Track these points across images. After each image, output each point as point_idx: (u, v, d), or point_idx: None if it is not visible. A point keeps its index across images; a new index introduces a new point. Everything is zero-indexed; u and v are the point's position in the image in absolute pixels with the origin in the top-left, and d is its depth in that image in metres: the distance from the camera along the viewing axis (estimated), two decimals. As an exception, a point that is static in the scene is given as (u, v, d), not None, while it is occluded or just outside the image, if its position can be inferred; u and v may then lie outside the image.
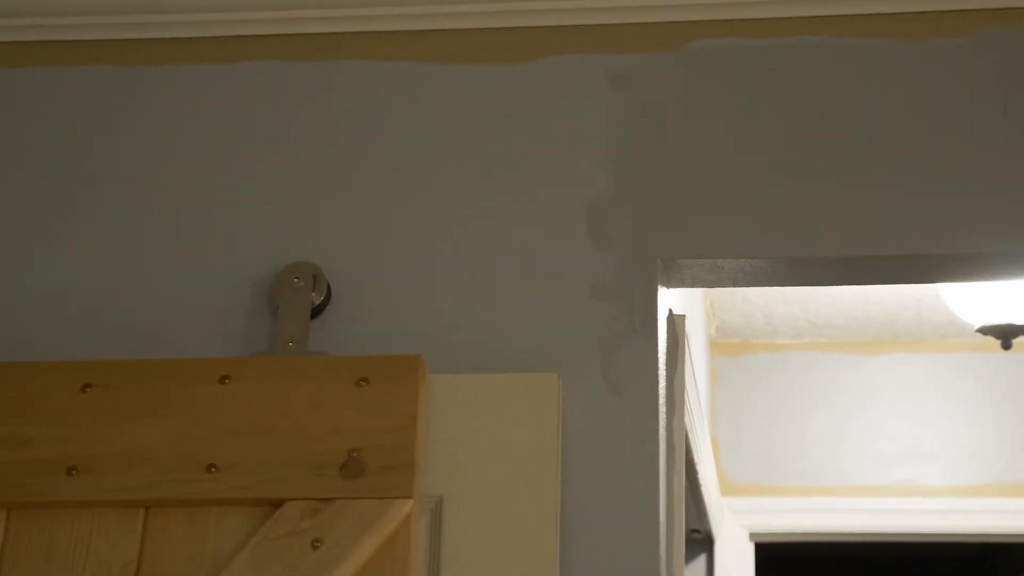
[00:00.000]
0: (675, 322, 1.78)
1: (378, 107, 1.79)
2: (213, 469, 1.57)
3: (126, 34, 1.83)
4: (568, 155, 1.74)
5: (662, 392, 1.68)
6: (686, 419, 2.27)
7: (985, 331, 3.28)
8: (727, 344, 4.32)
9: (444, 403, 1.62)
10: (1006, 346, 3.27)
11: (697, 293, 3.48)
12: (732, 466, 4.25)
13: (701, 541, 4.06)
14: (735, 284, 1.77)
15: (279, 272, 1.70)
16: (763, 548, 4.31)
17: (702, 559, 4.13)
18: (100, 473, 1.59)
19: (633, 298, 1.67)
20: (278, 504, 1.55)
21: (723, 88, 1.75)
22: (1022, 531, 4.14)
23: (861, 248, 1.68)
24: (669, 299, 1.78)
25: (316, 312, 1.69)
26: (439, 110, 1.78)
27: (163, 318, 1.73)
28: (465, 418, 1.62)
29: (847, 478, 4.21)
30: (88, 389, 1.63)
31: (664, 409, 1.71)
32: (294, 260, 1.71)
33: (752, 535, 4.22)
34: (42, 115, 1.84)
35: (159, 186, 1.79)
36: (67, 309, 1.75)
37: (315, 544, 1.52)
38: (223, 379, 1.61)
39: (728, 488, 4.22)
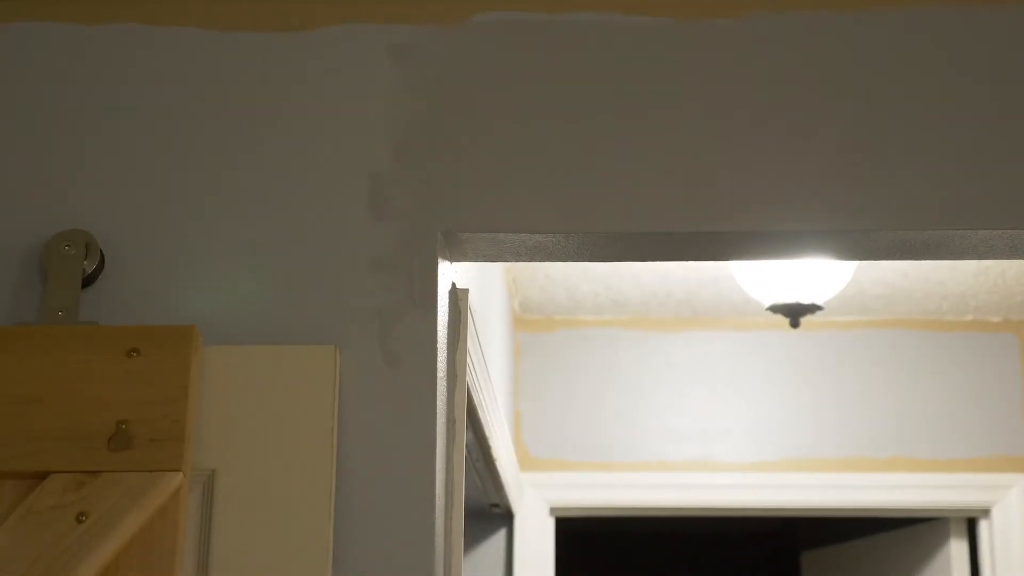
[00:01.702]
0: (458, 296, 1.78)
1: (156, 73, 1.75)
2: None
3: None
4: (348, 127, 1.72)
5: (442, 366, 1.68)
6: (477, 394, 2.28)
7: (775, 309, 3.36)
8: (530, 320, 4.35)
9: (219, 375, 1.60)
10: (794, 324, 3.35)
11: (497, 268, 3.50)
12: (534, 441, 4.29)
13: (501, 515, 4.10)
14: (517, 259, 1.78)
15: (48, 240, 1.66)
16: (567, 524, 4.37)
17: (502, 533, 4.16)
18: None
19: (412, 271, 1.67)
20: (42, 476, 1.51)
21: (506, 62, 1.75)
22: (815, 505, 4.26)
23: (642, 224, 1.70)
24: (452, 273, 1.78)
25: (88, 281, 1.65)
26: (216, 77, 1.74)
27: None
28: (240, 390, 1.60)
29: (646, 454, 4.28)
30: None
31: (445, 383, 1.72)
32: (65, 227, 1.67)
33: (552, 509, 4.27)
34: None
35: None
36: None
37: (80, 518, 1.49)
38: None
39: (530, 463, 4.25)
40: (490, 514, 4.04)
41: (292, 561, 1.55)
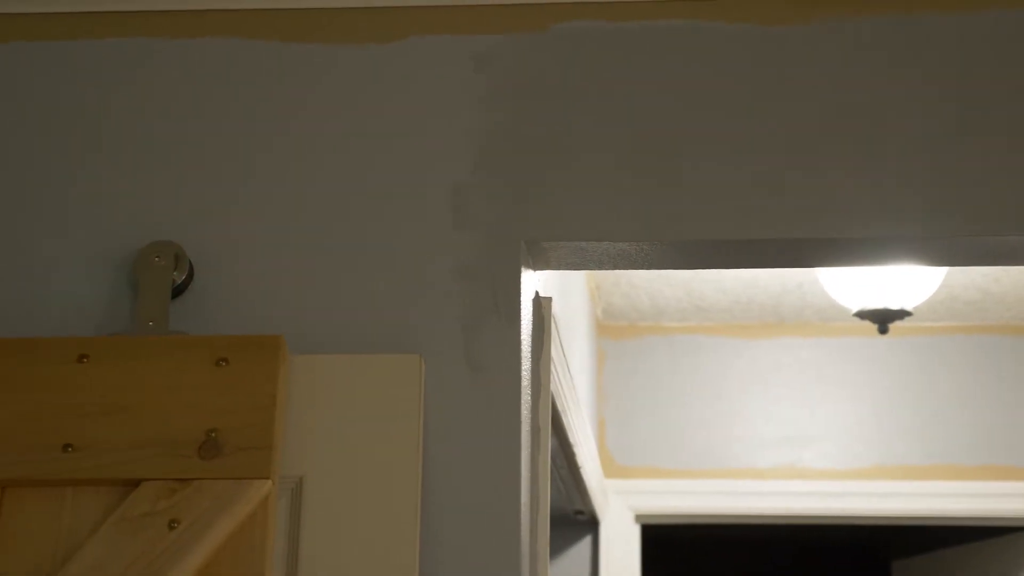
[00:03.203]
0: (541, 304, 1.81)
1: (243, 86, 1.79)
2: (70, 449, 1.58)
3: None
4: (431, 137, 1.75)
5: (526, 374, 1.71)
6: (561, 402, 2.31)
7: (862, 315, 3.35)
8: (614, 326, 4.37)
9: (306, 384, 1.64)
10: (882, 330, 3.35)
11: (579, 275, 3.52)
12: (618, 448, 4.30)
13: (585, 523, 4.12)
14: (600, 267, 1.81)
15: (139, 251, 1.71)
16: (651, 531, 4.38)
17: (587, 541, 4.18)
18: None
19: (496, 280, 1.70)
20: (135, 484, 1.56)
21: (588, 70, 1.77)
22: (905, 513, 4.23)
23: (726, 232, 1.72)
24: (535, 281, 1.81)
25: (178, 292, 1.70)
26: (302, 90, 1.79)
27: (23, 296, 1.73)
28: (327, 399, 1.63)
29: (732, 461, 4.28)
30: None
31: (529, 391, 1.75)
32: (156, 239, 1.72)
33: (638, 516, 4.28)
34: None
35: (20, 164, 1.78)
36: None
37: (172, 525, 1.53)
38: (81, 358, 1.61)
39: (615, 470, 4.27)
40: (575, 521, 4.06)
41: (379, 568, 1.58)
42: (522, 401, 1.67)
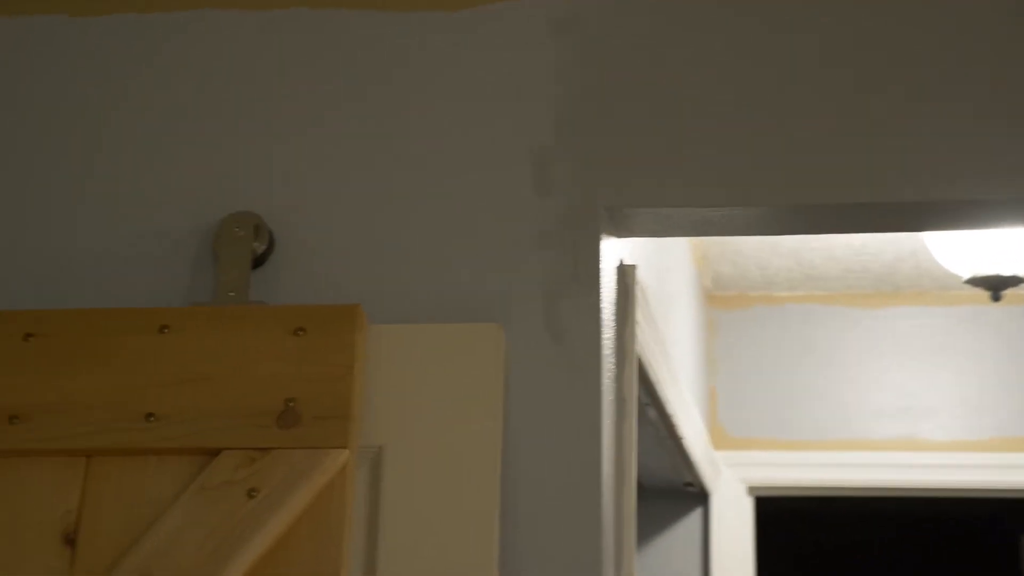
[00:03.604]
0: (626, 272, 1.80)
1: (320, 55, 1.80)
2: (152, 418, 1.60)
3: None
4: (511, 103, 1.75)
5: (607, 342, 1.70)
6: (653, 371, 2.30)
7: (974, 282, 3.29)
8: (723, 296, 4.34)
9: (386, 354, 1.64)
10: (995, 298, 3.28)
11: (684, 246, 3.49)
12: (730, 420, 4.28)
13: (696, 495, 4.10)
14: (684, 233, 1.79)
15: (220, 222, 1.72)
16: (763, 504, 4.34)
17: (697, 513, 4.17)
18: (42, 422, 1.62)
19: (576, 247, 1.68)
20: (215, 453, 1.58)
21: (669, 33, 1.75)
22: (1005, 486, 4.16)
23: (811, 197, 1.70)
24: (619, 249, 1.79)
25: (259, 262, 1.71)
26: (379, 57, 1.79)
27: (107, 268, 1.75)
28: (407, 368, 1.64)
29: (847, 432, 4.24)
30: (30, 339, 1.65)
31: (613, 359, 1.73)
32: (237, 210, 1.73)
33: (751, 489, 4.25)
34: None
35: (100, 138, 1.81)
36: (10, 258, 1.77)
37: (251, 493, 1.55)
38: (162, 328, 1.63)
39: (726, 442, 4.25)
40: (684, 493, 4.05)
41: (459, 535, 1.58)
42: (603, 370, 1.66)
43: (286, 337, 1.61)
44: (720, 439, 4.23)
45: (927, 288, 4.14)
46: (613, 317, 1.75)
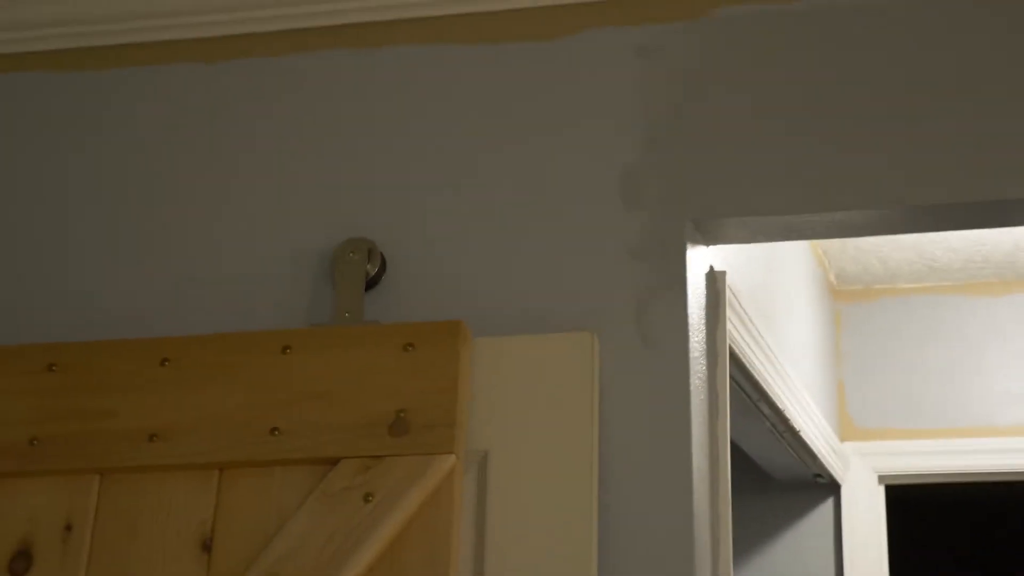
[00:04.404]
0: (715, 278, 1.86)
1: (425, 89, 1.89)
2: (277, 432, 1.70)
3: (185, 34, 1.98)
4: (600, 123, 1.82)
5: (697, 345, 1.76)
6: (758, 369, 2.35)
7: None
8: (848, 291, 4.34)
9: (489, 364, 1.72)
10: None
11: (802, 243, 3.52)
12: (859, 411, 4.28)
13: (826, 486, 4.11)
14: (768, 239, 1.85)
15: (336, 248, 1.82)
16: (893, 491, 4.34)
17: (828, 504, 4.17)
18: (178, 439, 1.72)
19: (664, 257, 1.75)
20: (334, 462, 1.67)
21: (746, 53, 1.82)
22: None
23: (890, 200, 1.75)
24: (708, 256, 1.86)
25: (371, 284, 1.81)
26: (478, 87, 1.88)
27: (235, 293, 1.86)
28: (508, 377, 1.72)
29: (975, 419, 4.21)
30: (166, 363, 1.76)
31: (703, 360, 1.80)
32: (351, 236, 1.83)
33: (881, 478, 4.24)
34: (125, 112, 2.00)
35: (232, 173, 1.93)
36: (148, 287, 1.90)
37: (367, 498, 1.64)
38: (285, 349, 1.73)
39: (856, 433, 4.25)
40: (815, 484, 4.06)
41: (560, 535, 1.65)
42: (692, 371, 1.73)
43: (396, 353, 1.70)
44: (849, 430, 4.24)
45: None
46: (703, 321, 1.81)
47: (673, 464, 1.69)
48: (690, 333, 1.74)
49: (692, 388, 1.72)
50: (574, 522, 1.66)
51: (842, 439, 4.18)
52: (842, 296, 4.36)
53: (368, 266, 1.81)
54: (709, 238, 1.83)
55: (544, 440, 1.69)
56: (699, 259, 1.81)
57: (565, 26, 1.87)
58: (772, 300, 2.79)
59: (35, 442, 1.76)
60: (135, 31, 2.01)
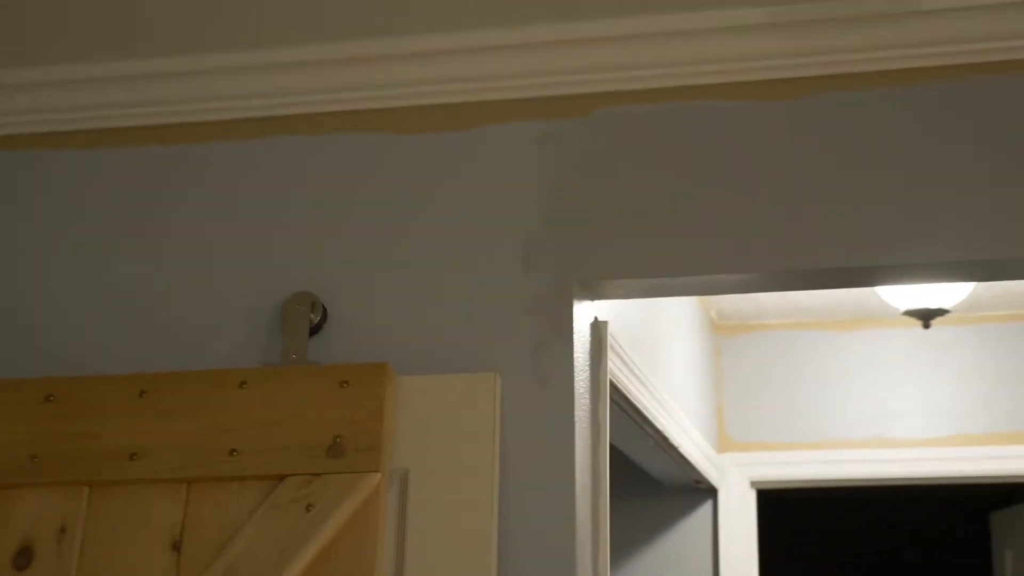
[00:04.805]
0: (599, 327, 1.95)
1: (359, 170, 1.94)
2: (235, 453, 1.75)
3: (168, 119, 2.03)
4: (504, 201, 1.88)
5: (583, 383, 1.84)
6: (642, 399, 2.45)
7: (910, 314, 3.40)
8: (726, 325, 4.46)
9: (409, 397, 1.78)
10: (926, 326, 3.39)
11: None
12: (734, 427, 4.40)
13: (705, 490, 4.22)
14: (641, 296, 1.93)
15: (285, 300, 1.88)
16: (763, 495, 4.45)
17: (708, 506, 4.28)
18: (153, 458, 1.77)
19: (555, 310, 1.82)
20: (282, 478, 1.73)
21: (624, 143, 1.88)
22: (976, 473, 4.24)
23: (724, 268, 1.83)
24: (593, 309, 1.94)
25: (314, 330, 1.86)
26: (404, 168, 1.92)
27: (201, 336, 1.91)
28: (426, 409, 1.78)
29: (832, 434, 4.34)
30: (144, 395, 1.81)
31: (588, 395, 1.88)
32: (297, 290, 1.89)
33: (753, 483, 4.36)
34: (127, 184, 2.04)
35: (202, 241, 1.97)
36: (126, 331, 1.95)
37: (308, 508, 1.70)
38: (242, 384, 1.79)
39: (733, 445, 4.37)
40: (696, 489, 4.17)
41: (467, 536, 1.73)
42: (577, 404, 1.79)
43: (334, 388, 1.76)
44: (728, 443, 4.36)
45: (888, 316, 4.24)
46: (587, 363, 1.90)
47: (559, 480, 1.75)
48: (575, 373, 1.81)
49: (577, 418, 1.80)
50: (478, 526, 1.72)
51: (720, 451, 4.29)
52: (721, 329, 4.48)
53: (312, 315, 1.87)
54: (593, 295, 1.90)
55: (455, 460, 1.76)
56: (585, 311, 1.90)
57: (476, 120, 1.92)
58: (656, 339, 2.88)
59: (35, 459, 1.81)
60: (119, 118, 2.07)
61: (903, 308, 3.42)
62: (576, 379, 1.82)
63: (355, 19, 1.91)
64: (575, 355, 1.82)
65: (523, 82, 1.91)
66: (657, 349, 2.93)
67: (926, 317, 3.36)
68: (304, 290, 1.90)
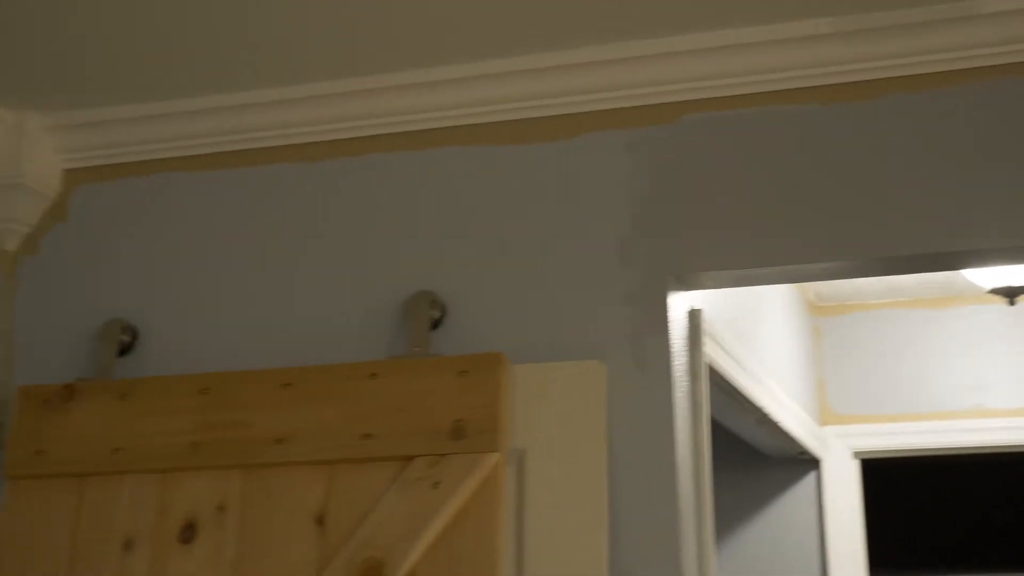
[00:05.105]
0: (694, 315, 1.99)
1: (473, 178, 2.01)
2: (369, 437, 1.84)
3: (304, 139, 2.11)
4: (601, 203, 1.93)
5: (678, 367, 1.88)
6: (739, 379, 2.49)
7: (995, 292, 3.37)
8: (825, 307, 4.46)
9: (525, 384, 1.84)
10: (1011, 303, 3.36)
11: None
12: (835, 400, 4.38)
13: (808, 461, 4.22)
14: (731, 286, 1.98)
15: (409, 299, 1.96)
16: (867, 464, 4.43)
17: (812, 476, 4.27)
18: (298, 443, 1.87)
19: (652, 302, 1.87)
20: (410, 459, 1.81)
21: (709, 146, 1.92)
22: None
23: (813, 258, 1.87)
24: (688, 299, 1.99)
25: (435, 325, 1.94)
26: (511, 177, 1.99)
27: (336, 334, 1.99)
28: (539, 394, 1.84)
29: (930, 406, 4.30)
30: (288, 387, 1.91)
31: (687, 378, 1.93)
32: (419, 289, 1.96)
33: (856, 453, 4.35)
34: (266, 200, 2.14)
35: (340, 248, 2.05)
36: (272, 331, 2.04)
37: (435, 485, 1.77)
38: (372, 375, 1.87)
39: (833, 418, 4.35)
40: (799, 460, 4.17)
41: (580, 514, 1.78)
42: (676, 387, 1.85)
43: (455, 377, 1.83)
44: (830, 417, 4.35)
45: (969, 293, 4.19)
46: (685, 349, 1.94)
47: (662, 457, 1.80)
48: (673, 358, 1.85)
49: (676, 399, 1.85)
50: (591, 501, 1.78)
51: (823, 424, 4.29)
52: (820, 311, 4.47)
53: (432, 312, 1.94)
54: (687, 286, 1.94)
55: (567, 440, 1.81)
56: (681, 301, 1.94)
57: (571, 130, 1.97)
58: (755, 322, 2.92)
59: (195, 445, 1.91)
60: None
61: (988, 287, 3.39)
62: (674, 363, 1.86)
63: (463, 43, 1.96)
64: (672, 342, 1.87)
65: (615, 94, 1.96)
66: (755, 331, 2.96)
67: (1011, 295, 3.33)
68: (425, 289, 1.97)
